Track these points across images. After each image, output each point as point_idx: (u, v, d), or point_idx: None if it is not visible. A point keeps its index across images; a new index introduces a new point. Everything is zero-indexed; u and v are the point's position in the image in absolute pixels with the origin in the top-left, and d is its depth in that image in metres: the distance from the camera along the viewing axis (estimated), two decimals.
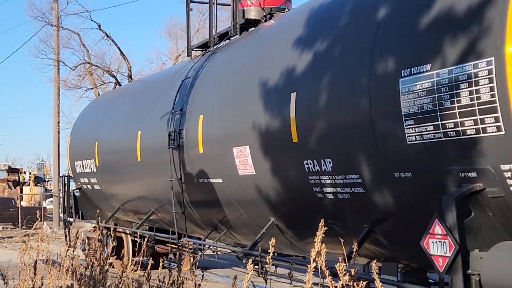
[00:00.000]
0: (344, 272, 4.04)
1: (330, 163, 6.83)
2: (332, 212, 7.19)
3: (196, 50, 12.20)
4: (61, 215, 32.73)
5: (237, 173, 8.66)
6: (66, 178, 17.66)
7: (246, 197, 8.74)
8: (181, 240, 12.76)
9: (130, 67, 33.30)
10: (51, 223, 33.16)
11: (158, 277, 6.65)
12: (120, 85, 33.12)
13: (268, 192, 8.24)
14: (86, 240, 16.53)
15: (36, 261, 6.72)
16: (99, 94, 34.04)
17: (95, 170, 14.80)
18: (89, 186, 15.79)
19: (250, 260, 4.95)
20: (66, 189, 17.53)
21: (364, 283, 4.08)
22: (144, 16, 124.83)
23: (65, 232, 17.47)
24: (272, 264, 8.95)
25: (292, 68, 7.60)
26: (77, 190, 16.62)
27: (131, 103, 13.49)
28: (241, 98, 8.72)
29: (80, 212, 16.44)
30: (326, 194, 7.09)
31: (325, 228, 4.63)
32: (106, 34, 32.50)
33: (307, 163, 7.18)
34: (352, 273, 4.06)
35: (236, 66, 9.46)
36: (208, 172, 9.50)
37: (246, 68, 9.05)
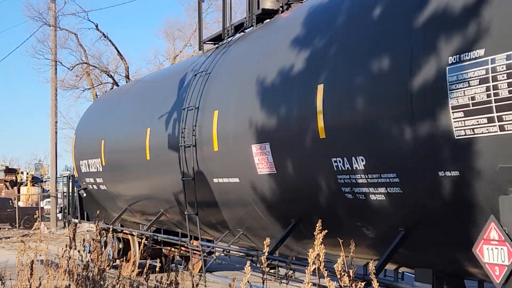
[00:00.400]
0: (343, 273, 4.02)
1: (362, 160, 6.23)
2: (362, 215, 6.60)
3: (208, 44, 11.61)
4: (59, 215, 32.25)
5: (256, 172, 8.06)
6: (70, 178, 17.05)
7: (265, 197, 8.13)
8: (191, 242, 12.24)
9: (128, 67, 33.16)
10: (49, 223, 32.82)
11: (156, 277, 6.49)
12: (117, 85, 32.92)
13: (290, 192, 7.66)
14: (92, 242, 16.03)
15: (32, 261, 6.64)
16: (96, 95, 33.88)
17: (101, 170, 14.20)
18: (94, 186, 15.19)
19: (248, 262, 4.77)
20: (70, 190, 16.93)
21: (363, 284, 4.10)
22: (141, 16, 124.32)
23: (69, 234, 16.89)
24: (290, 269, 8.46)
25: (319, 59, 7.00)
26: (82, 190, 16.02)
27: (139, 100, 12.88)
28: (260, 92, 8.12)
29: (85, 213, 15.83)
30: (357, 195, 6.49)
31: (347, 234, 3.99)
32: (104, 34, 32.29)
33: (335, 161, 6.59)
34: (351, 273, 4.04)
35: (253, 58, 8.84)
36: (223, 171, 8.91)
37: (264, 60, 8.45)
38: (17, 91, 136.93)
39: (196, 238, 12.84)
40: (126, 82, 32.86)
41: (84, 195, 16.01)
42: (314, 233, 7.81)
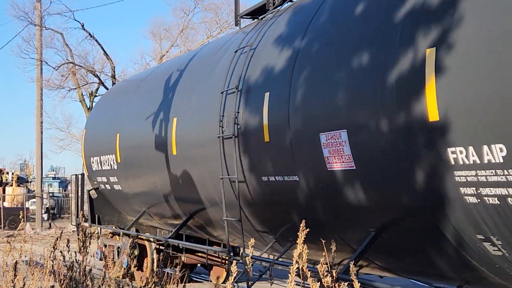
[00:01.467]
0: (325, 274, 4.01)
1: (501, 150, 4.47)
2: (492, 225, 4.83)
3: (246, 18, 9.81)
4: (44, 215, 30.80)
5: (325, 168, 6.26)
6: (79, 176, 15.12)
7: (338, 200, 6.34)
8: (214, 251, 10.50)
9: (114, 67, 32.56)
10: (34, 223, 32.03)
11: (141, 278, 6.69)
12: (103, 85, 32.68)
13: (375, 194, 5.87)
14: (103, 248, 14.20)
15: (16, 262, 6.61)
16: (82, 95, 33.50)
17: (115, 167, 12.37)
18: (107, 186, 13.37)
19: (234, 262, 4.38)
20: (79, 190, 15.04)
21: (346, 284, 4.08)
22: (128, 16, 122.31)
23: (78, 239, 15.01)
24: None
25: (427, 22, 5.23)
26: (93, 190, 14.18)
27: (161, 87, 11.00)
28: (331, 68, 6.33)
29: (96, 216, 13.93)
30: (486, 198, 4.72)
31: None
32: (90, 34, 31.72)
33: (453, 152, 4.81)
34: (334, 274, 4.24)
35: (316, 30, 7.06)
36: (276, 168, 7.10)
37: (332, 32, 6.69)
38: (3, 91, 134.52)
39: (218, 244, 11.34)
40: (112, 82, 32.57)
41: (95, 196, 14.18)
42: (406, 247, 6.07)
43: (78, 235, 14.36)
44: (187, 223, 10.25)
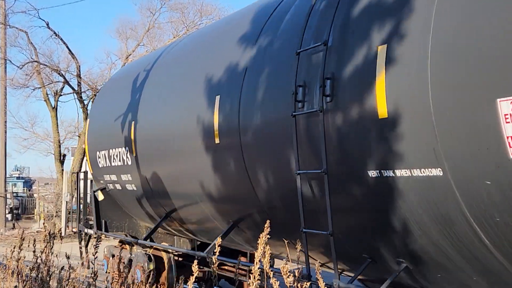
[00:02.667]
0: (288, 274, 3.92)
1: None
2: None
3: None
4: (8, 215, 28.69)
5: (504, 155, 3.95)
6: (82, 175, 12.64)
7: None
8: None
9: (79, 66, 31.80)
10: None
11: (106, 278, 6.94)
12: (69, 84, 31.98)
13: None
14: (110, 258, 11.63)
15: None
16: (47, 94, 32.64)
17: (129, 163, 9.90)
18: (117, 186, 10.93)
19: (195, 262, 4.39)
20: (82, 190, 12.66)
21: (308, 283, 4.04)
22: (93, 15, 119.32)
23: (80, 249, 12.42)
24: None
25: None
26: (99, 191, 11.79)
27: (194, 59, 8.52)
28: None
29: (102, 221, 11.55)
30: None
31: None
32: (55, 33, 30.67)
33: None
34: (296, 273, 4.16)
35: None
36: (404, 157, 4.72)
37: None
38: None
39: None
40: (78, 81, 31.99)
41: (101, 197, 11.78)
42: None
43: (80, 243, 11.35)
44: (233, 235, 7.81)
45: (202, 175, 7.75)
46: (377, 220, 5.20)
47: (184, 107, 8.14)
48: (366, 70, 4.92)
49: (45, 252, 6.47)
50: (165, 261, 10.42)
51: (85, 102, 33.86)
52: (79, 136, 34.88)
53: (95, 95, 33.56)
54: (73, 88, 32.71)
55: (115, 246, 11.93)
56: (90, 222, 12.39)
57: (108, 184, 11.39)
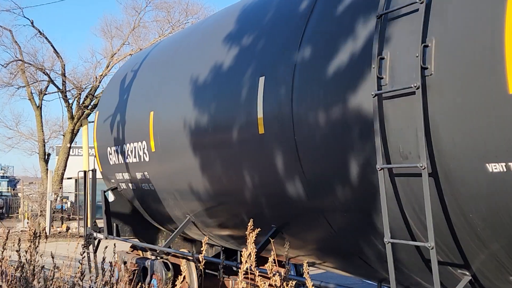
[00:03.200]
0: (274, 273, 3.89)
1: None
2: None
3: None
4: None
5: None
6: (91, 173, 11.30)
7: None
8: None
9: (64, 65, 31.90)
10: None
11: (90, 277, 6.65)
12: (53, 83, 31.83)
13: None
14: (121, 266, 10.25)
15: None
16: (31, 93, 32.52)
17: (147, 159, 8.66)
18: (131, 185, 9.69)
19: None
20: (90, 190, 11.33)
21: (294, 282, 3.96)
22: (78, 14, 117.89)
23: (88, 254, 11.00)
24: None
25: None
26: (110, 191, 10.56)
27: (226, 36, 7.21)
28: None
29: (113, 224, 10.29)
30: None
31: None
32: (39, 31, 30.79)
33: None
34: (282, 272, 4.01)
35: None
36: None
37: None
38: None
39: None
40: (63, 80, 31.72)
41: (113, 198, 10.55)
42: None
43: (84, 247, 10.46)
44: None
45: (239, 172, 6.51)
46: (489, 225, 4.03)
47: (220, 92, 6.87)
48: (489, 30, 3.76)
49: (30, 252, 6.35)
50: (184, 268, 9.05)
51: (70, 101, 33.04)
52: (63, 135, 33.96)
53: (79, 94, 32.77)
54: (57, 87, 32.22)
55: (127, 252, 10.72)
56: (100, 225, 11.18)
57: (120, 184, 10.12)
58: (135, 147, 9.00)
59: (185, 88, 7.64)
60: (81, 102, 33.48)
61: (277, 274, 4.03)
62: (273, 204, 6.32)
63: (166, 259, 9.41)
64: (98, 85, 33.49)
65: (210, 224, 8.03)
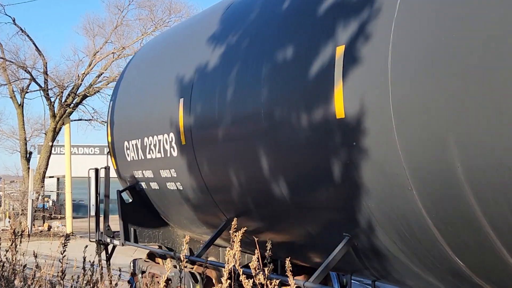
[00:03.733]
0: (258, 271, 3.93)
1: None
2: None
3: None
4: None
5: None
6: (103, 171, 10.05)
7: None
8: None
9: (46, 63, 31.70)
10: None
11: (72, 276, 6.31)
12: (35, 81, 31.67)
13: None
14: (139, 276, 9.17)
15: None
16: (13, 91, 32.42)
17: (174, 154, 7.50)
18: (153, 185, 8.51)
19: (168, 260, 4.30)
20: (102, 190, 10.12)
21: (277, 281, 4.01)
22: (60, 12, 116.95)
23: (99, 262, 9.51)
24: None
25: None
26: (127, 192, 9.34)
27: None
28: None
29: (131, 229, 9.08)
30: None
31: None
32: (21, 29, 30.66)
33: None
34: (266, 272, 3.97)
35: None
36: None
37: None
38: None
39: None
40: (45, 78, 31.76)
41: (130, 200, 9.30)
42: None
43: (98, 254, 9.86)
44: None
45: (305, 168, 5.32)
46: None
47: (285, 70, 5.51)
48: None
49: (11, 251, 6.26)
50: (214, 279, 7.91)
51: (52, 100, 32.83)
52: (45, 134, 33.74)
53: (61, 92, 32.57)
54: (39, 85, 32.05)
55: (144, 260, 9.41)
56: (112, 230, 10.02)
57: (139, 183, 8.89)
58: (159, 141, 7.81)
59: (233, 69, 6.34)
60: (63, 101, 33.30)
61: (261, 272, 4.02)
62: (348, 208, 4.99)
63: (191, 268, 8.05)
64: (81, 84, 33.35)
65: (257, 230, 6.64)
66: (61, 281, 5.93)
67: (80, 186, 51.74)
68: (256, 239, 5.11)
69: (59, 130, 33.82)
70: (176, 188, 7.92)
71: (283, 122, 5.51)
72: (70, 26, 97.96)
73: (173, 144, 7.53)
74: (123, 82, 9.85)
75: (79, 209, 50.61)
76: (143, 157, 8.44)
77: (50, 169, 34.98)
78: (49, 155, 33.73)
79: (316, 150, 5.15)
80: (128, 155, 8.94)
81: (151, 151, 8.15)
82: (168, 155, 7.70)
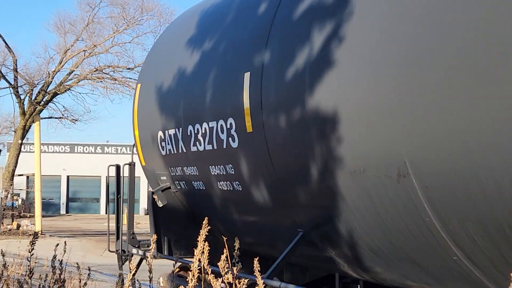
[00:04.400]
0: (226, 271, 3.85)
1: None
2: None
3: None
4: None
5: None
6: (126, 168, 8.47)
7: None
8: None
9: (16, 60, 31.55)
10: None
11: (40, 276, 6.09)
12: (5, 78, 31.66)
13: None
14: None
15: None
16: None
17: (234, 145, 5.84)
18: (197, 185, 6.86)
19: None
20: (124, 190, 8.63)
21: (246, 280, 3.89)
22: (31, 8, 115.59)
23: (120, 276, 8.46)
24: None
25: None
26: (160, 193, 7.62)
27: None
28: None
29: (165, 239, 7.53)
30: None
31: None
32: None
33: None
34: (234, 271, 3.93)
35: None
36: None
37: None
38: None
39: None
40: (14, 75, 31.86)
41: (163, 203, 7.56)
42: None
43: (119, 267, 8.35)
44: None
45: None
46: None
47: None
48: None
49: None
50: None
51: (22, 97, 32.59)
52: (15, 132, 33.53)
53: (31, 90, 32.33)
54: (9, 83, 31.85)
55: (178, 275, 7.70)
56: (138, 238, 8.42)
57: (177, 182, 7.29)
58: (211, 129, 6.17)
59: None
60: (33, 98, 33.05)
61: (229, 272, 3.92)
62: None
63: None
64: (51, 81, 33.10)
65: (348, 244, 5.00)
66: (29, 280, 5.71)
67: (50, 185, 51.43)
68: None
69: (29, 127, 33.59)
70: (231, 189, 6.21)
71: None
72: (41, 23, 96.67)
73: (233, 132, 5.83)
74: (156, 60, 8.12)
75: (48, 207, 50.25)
76: (184, 150, 6.76)
77: (20, 167, 34.70)
78: (19, 153, 33.51)
79: None
80: (163, 148, 7.27)
81: (197, 143, 6.50)
82: (224, 146, 5.99)
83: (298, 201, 5.43)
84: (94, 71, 33.74)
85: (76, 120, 35.50)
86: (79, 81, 34.05)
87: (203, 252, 4.00)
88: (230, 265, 4.16)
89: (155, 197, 7.59)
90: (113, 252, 8.73)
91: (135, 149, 8.32)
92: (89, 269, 6.63)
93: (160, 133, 7.33)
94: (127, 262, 8.27)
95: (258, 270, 4.04)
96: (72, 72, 34.06)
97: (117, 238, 8.63)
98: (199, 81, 6.59)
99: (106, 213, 9.61)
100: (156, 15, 34.44)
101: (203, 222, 3.90)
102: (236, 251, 4.30)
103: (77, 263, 10.59)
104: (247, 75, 5.61)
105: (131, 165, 8.43)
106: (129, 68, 34.35)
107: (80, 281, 5.75)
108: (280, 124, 5.26)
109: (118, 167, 8.67)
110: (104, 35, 34.21)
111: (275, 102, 5.32)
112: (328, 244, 5.41)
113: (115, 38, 33.87)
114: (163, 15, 34.66)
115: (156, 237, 6.07)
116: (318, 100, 4.77)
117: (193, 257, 7.15)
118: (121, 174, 8.78)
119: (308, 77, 4.90)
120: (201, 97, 6.47)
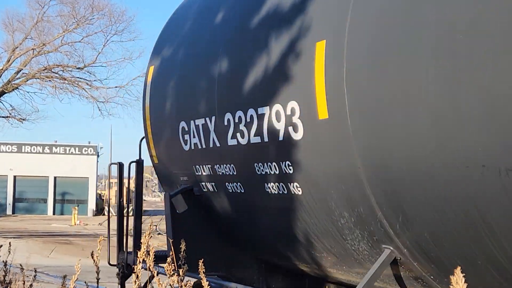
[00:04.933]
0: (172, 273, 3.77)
1: None
2: None
3: None
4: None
5: None
6: (133, 166, 7.25)
7: None
8: None
9: None
10: None
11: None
12: None
13: None
14: None
15: None
16: None
17: (297, 137, 4.48)
18: (231, 187, 5.48)
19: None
20: (126, 192, 7.49)
21: (192, 281, 4.00)
22: None
23: None
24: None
25: None
26: (180, 197, 6.12)
27: None
28: None
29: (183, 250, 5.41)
30: None
31: None
32: None
33: None
34: (180, 273, 3.83)
35: None
36: None
37: None
38: None
39: None
40: None
41: (183, 208, 6.12)
42: None
43: (119, 283, 7.41)
44: None
45: None
46: None
47: None
48: None
49: None
50: None
51: None
52: None
53: None
54: None
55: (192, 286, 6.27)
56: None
57: (203, 183, 5.92)
58: (260, 116, 4.82)
59: None
60: None
61: (175, 274, 3.70)
62: None
63: None
64: None
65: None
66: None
67: None
68: None
69: None
70: (286, 193, 4.85)
71: None
72: None
73: (295, 119, 4.48)
74: (175, 34, 6.62)
75: None
76: (218, 144, 5.40)
77: None
78: None
79: None
80: (185, 142, 5.91)
81: (238, 134, 5.12)
82: (280, 138, 4.64)
83: (397, 215, 4.12)
84: (43, 70, 33.13)
85: (23, 120, 34.78)
86: (27, 80, 33.39)
87: None
88: None
89: (174, 200, 6.17)
90: (114, 265, 7.37)
91: (143, 144, 6.98)
92: (35, 271, 6.30)
93: (183, 124, 5.91)
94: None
95: (204, 272, 3.88)
96: (20, 70, 33.36)
97: (119, 249, 7.29)
98: (243, 54, 5.12)
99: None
100: (107, 14, 34.13)
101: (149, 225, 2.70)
102: (182, 252, 4.13)
103: (20, 264, 10.55)
104: (320, 45, 4.25)
105: (139, 163, 7.10)
106: (78, 68, 33.85)
107: (24, 283, 5.59)
108: (372, 109, 3.89)
109: (121, 166, 7.37)
110: (53, 33, 33.49)
111: (366, 78, 3.92)
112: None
113: (65, 37, 33.37)
114: (114, 15, 34.37)
115: (174, 250, 4.86)
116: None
117: (214, 274, 5.92)
118: (124, 173, 7.65)
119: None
120: (247, 75, 5.01)
